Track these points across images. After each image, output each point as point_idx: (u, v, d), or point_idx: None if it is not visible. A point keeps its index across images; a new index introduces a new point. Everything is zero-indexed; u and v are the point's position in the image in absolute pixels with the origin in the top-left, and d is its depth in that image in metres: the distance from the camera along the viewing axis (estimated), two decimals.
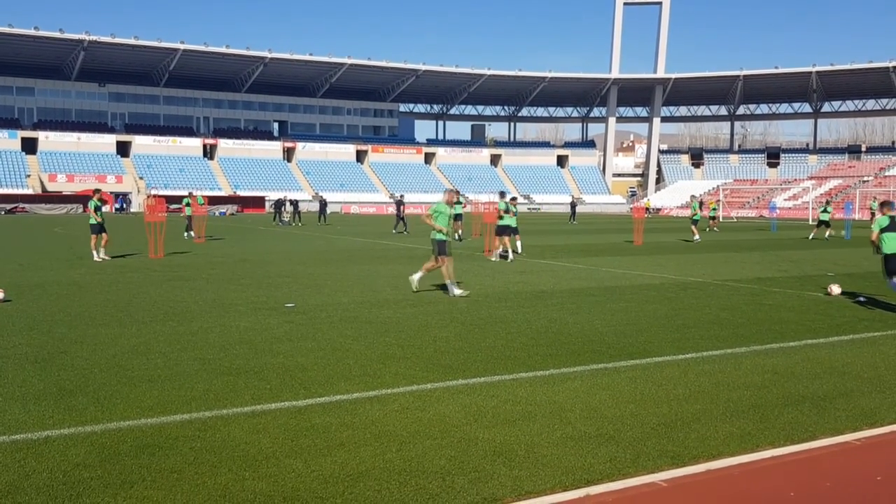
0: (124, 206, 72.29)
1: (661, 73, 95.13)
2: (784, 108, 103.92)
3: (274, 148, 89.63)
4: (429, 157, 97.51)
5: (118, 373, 7.05)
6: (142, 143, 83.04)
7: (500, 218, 20.94)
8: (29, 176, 73.50)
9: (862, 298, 12.35)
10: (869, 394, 6.52)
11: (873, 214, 47.53)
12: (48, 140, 78.83)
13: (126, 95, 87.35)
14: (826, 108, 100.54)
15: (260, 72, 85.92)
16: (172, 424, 5.50)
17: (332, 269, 17.38)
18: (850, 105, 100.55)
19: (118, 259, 19.43)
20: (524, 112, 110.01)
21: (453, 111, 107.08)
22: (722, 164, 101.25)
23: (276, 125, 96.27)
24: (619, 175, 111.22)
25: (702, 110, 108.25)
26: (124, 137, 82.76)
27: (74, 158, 77.98)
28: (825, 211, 33.31)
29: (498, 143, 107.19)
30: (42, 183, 73.18)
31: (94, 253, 18.92)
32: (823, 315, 10.79)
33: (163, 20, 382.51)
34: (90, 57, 78.19)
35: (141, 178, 78.16)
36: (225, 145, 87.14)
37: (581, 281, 15.03)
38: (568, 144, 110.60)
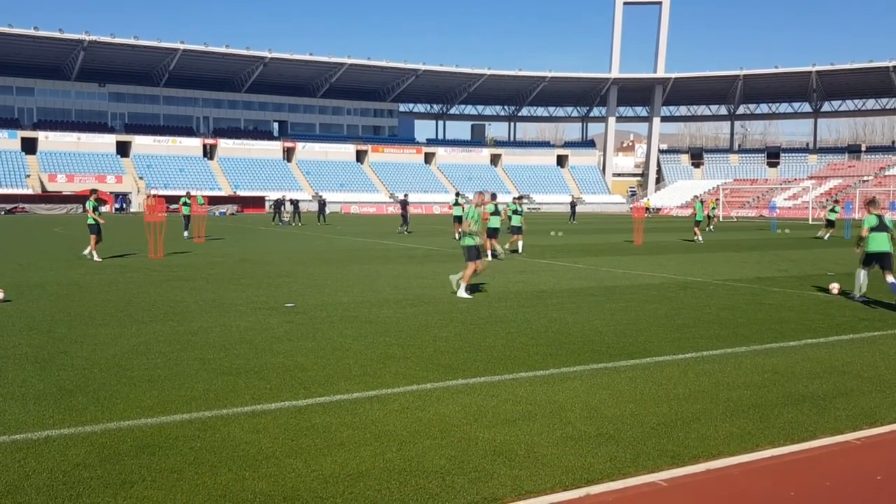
0: (124, 206, 72.31)
1: (660, 73, 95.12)
2: (784, 107, 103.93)
3: (274, 148, 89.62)
4: (429, 157, 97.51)
5: (118, 373, 7.05)
6: (142, 143, 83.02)
7: (508, 218, 21.04)
8: (29, 176, 73.50)
9: (862, 298, 12.34)
10: (869, 393, 6.52)
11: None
12: (48, 140, 78.83)
13: (126, 95, 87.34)
14: (826, 107, 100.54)
15: (260, 72, 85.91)
16: (172, 424, 5.50)
17: (332, 268, 17.38)
18: (850, 104, 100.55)
19: (118, 259, 19.43)
20: (524, 112, 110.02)
21: (453, 111, 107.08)
22: (722, 163, 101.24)
23: (275, 125, 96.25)
24: (618, 175, 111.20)
25: (702, 110, 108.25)
26: (124, 137, 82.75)
27: (74, 158, 77.97)
28: (833, 210, 33.27)
29: (498, 143, 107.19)
30: (42, 183, 73.17)
31: (94, 253, 18.93)
32: (823, 315, 10.79)
33: (163, 20, 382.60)
34: (90, 57, 78.18)
35: (141, 178, 78.15)
36: (225, 145, 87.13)
37: (581, 281, 15.04)
38: (568, 144, 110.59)
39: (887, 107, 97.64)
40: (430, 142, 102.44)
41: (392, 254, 22.05)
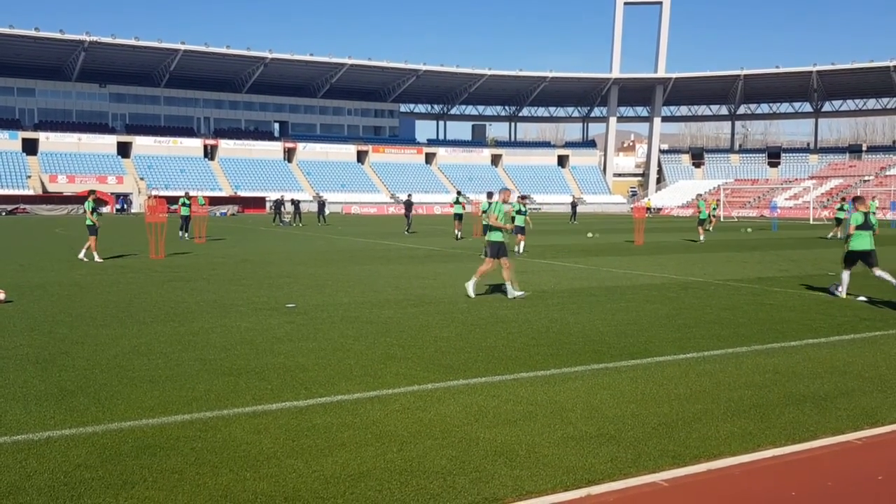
0: (125, 206, 72.34)
1: (661, 73, 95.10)
2: (785, 107, 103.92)
3: (274, 148, 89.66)
4: (429, 158, 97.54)
5: (119, 373, 7.05)
6: (142, 144, 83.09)
7: (513, 218, 21.14)
8: (30, 177, 73.57)
9: (863, 298, 12.35)
10: (870, 393, 6.52)
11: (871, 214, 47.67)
12: (49, 141, 78.90)
13: (127, 96, 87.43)
14: (827, 107, 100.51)
15: (260, 72, 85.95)
16: (173, 425, 5.50)
17: (333, 269, 17.38)
18: (850, 104, 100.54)
19: (119, 260, 19.44)
20: (525, 112, 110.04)
21: (454, 111, 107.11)
22: (723, 163, 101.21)
23: (276, 125, 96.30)
24: (619, 175, 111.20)
25: (702, 110, 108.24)
26: (125, 138, 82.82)
27: (75, 159, 78.03)
28: (841, 209, 33.19)
29: (499, 143, 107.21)
30: (43, 184, 73.23)
31: (95, 254, 18.93)
32: (824, 314, 10.79)
33: (163, 21, 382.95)
34: (91, 58, 78.24)
35: (142, 179, 78.20)
36: (225, 146, 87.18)
37: (582, 281, 15.03)
38: (568, 144, 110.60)
39: (888, 106, 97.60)
40: (430, 142, 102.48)
41: (393, 254, 22.05)
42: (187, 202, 30.67)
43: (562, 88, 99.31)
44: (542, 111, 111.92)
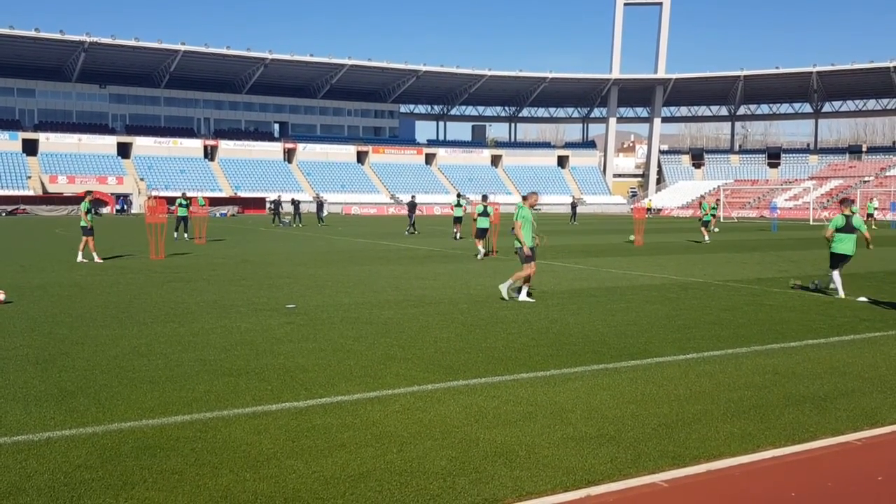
0: (125, 207, 72.34)
1: (661, 74, 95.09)
2: (785, 108, 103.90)
3: (274, 149, 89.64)
4: (429, 158, 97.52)
5: (119, 374, 7.05)
6: (142, 145, 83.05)
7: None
8: (30, 177, 73.54)
9: (863, 298, 12.35)
10: (870, 394, 6.52)
11: (870, 215, 47.66)
12: (49, 141, 78.86)
13: (127, 97, 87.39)
14: (827, 108, 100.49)
15: (260, 73, 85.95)
16: (173, 425, 5.51)
17: (333, 269, 17.38)
18: (850, 105, 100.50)
19: (119, 260, 19.44)
20: (525, 113, 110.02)
21: (454, 112, 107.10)
22: (723, 164, 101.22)
23: (276, 126, 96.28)
24: (619, 175, 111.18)
25: (702, 110, 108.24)
26: (125, 139, 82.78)
27: (75, 160, 78.01)
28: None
29: (498, 144, 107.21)
30: (43, 184, 73.20)
31: (95, 254, 18.93)
32: (824, 315, 10.79)
33: (163, 21, 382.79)
34: (91, 58, 78.23)
35: (142, 180, 78.17)
36: (226, 146, 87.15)
37: (582, 281, 15.04)
38: (568, 145, 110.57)
39: (888, 107, 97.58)
40: (430, 143, 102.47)
41: (393, 255, 22.05)
42: (184, 203, 30.66)
43: (562, 89, 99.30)
44: (541, 112, 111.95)
